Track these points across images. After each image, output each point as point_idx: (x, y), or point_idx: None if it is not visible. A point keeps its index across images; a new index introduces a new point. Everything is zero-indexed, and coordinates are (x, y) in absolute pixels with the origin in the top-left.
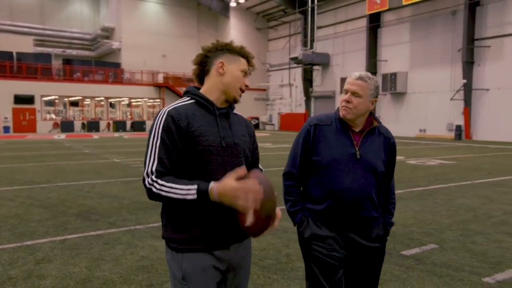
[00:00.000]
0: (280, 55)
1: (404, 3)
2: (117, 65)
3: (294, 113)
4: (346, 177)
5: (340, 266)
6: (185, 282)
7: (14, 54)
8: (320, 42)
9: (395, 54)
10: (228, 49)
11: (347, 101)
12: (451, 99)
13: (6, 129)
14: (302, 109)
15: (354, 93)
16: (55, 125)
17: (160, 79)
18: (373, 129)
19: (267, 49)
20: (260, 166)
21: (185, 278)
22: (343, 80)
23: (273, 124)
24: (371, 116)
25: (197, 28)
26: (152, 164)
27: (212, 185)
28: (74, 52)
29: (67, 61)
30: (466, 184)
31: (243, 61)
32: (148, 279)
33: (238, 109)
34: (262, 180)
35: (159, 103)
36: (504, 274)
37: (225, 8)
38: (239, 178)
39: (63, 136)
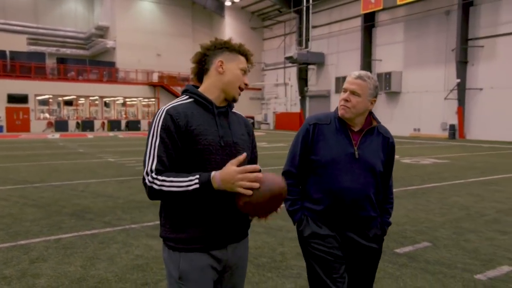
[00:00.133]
0: (275, 55)
1: (398, 2)
2: (112, 64)
3: (289, 113)
4: (345, 176)
5: (341, 262)
6: (182, 281)
7: (7, 53)
8: (315, 41)
9: (389, 54)
10: (227, 47)
11: (346, 100)
12: (445, 98)
13: (0, 129)
14: (297, 109)
15: (353, 92)
16: (49, 124)
17: (155, 78)
18: (372, 128)
19: (262, 49)
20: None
21: (182, 278)
22: (338, 79)
23: (268, 123)
24: (371, 115)
25: (192, 27)
26: (152, 163)
27: (214, 172)
28: (68, 51)
29: (61, 60)
30: (459, 182)
31: (242, 59)
32: (143, 278)
33: (234, 108)
34: (273, 178)
35: (154, 102)
36: (495, 271)
37: (220, 7)
38: (240, 164)
39: (57, 135)
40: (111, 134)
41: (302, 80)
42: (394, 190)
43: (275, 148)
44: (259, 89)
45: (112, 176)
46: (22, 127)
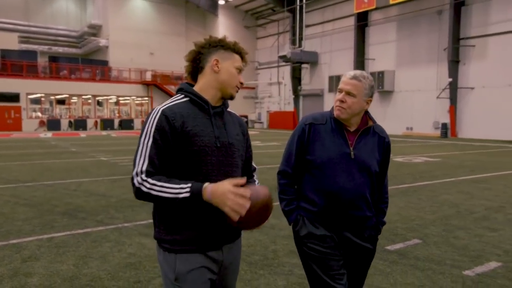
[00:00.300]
0: (268, 53)
1: (391, 2)
2: (105, 62)
3: (283, 111)
4: (340, 177)
5: (339, 259)
6: (178, 283)
7: None
8: (309, 40)
9: (382, 53)
10: (222, 45)
11: (341, 101)
12: (437, 97)
13: None
14: (290, 107)
15: (348, 93)
16: (41, 123)
17: (148, 77)
18: (368, 128)
19: (255, 47)
20: (253, 164)
21: (178, 279)
22: (331, 78)
23: (262, 122)
24: (367, 115)
25: (185, 26)
26: (143, 164)
27: (207, 184)
28: (60, 49)
29: (53, 58)
30: (450, 181)
31: (237, 57)
32: (135, 276)
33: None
34: (256, 193)
35: (147, 101)
36: (483, 267)
37: (214, 6)
38: (237, 185)
39: (49, 134)
40: (104, 133)
41: (296, 79)
42: None
43: (268, 147)
44: (253, 88)
45: (105, 175)
46: (13, 126)
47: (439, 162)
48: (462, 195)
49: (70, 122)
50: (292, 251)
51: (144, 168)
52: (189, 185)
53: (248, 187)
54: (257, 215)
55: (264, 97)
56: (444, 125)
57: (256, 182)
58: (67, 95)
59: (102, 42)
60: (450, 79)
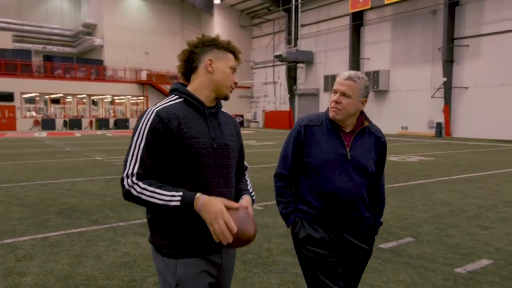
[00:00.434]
0: (264, 53)
1: (386, 2)
2: (100, 62)
3: (278, 111)
4: (337, 178)
5: (338, 261)
6: None
7: None
8: (304, 40)
9: (377, 52)
10: (215, 44)
11: (336, 102)
12: (432, 97)
13: None
14: (286, 107)
15: (343, 94)
16: (36, 122)
17: (143, 76)
18: (364, 129)
19: (251, 47)
20: (245, 163)
21: (179, 285)
22: (326, 78)
23: (257, 122)
24: (362, 115)
25: (180, 25)
26: (134, 166)
27: (199, 195)
28: (55, 48)
29: (48, 57)
30: (444, 180)
31: (231, 57)
32: (130, 275)
33: (223, 107)
34: (244, 228)
35: (142, 100)
36: (474, 264)
37: (209, 5)
38: (228, 208)
39: (44, 134)
40: (99, 132)
41: (291, 78)
42: None
43: (263, 147)
44: (248, 87)
45: (99, 175)
46: (7, 125)
47: (433, 161)
48: (455, 194)
49: (64, 121)
50: (286, 250)
51: (135, 170)
52: (181, 193)
53: (239, 216)
54: (237, 244)
55: (259, 96)
56: (438, 125)
57: (248, 182)
58: (61, 95)
59: (97, 41)
60: (445, 79)
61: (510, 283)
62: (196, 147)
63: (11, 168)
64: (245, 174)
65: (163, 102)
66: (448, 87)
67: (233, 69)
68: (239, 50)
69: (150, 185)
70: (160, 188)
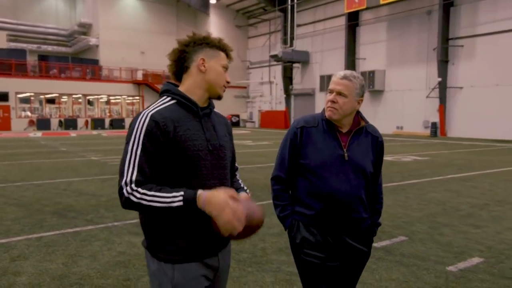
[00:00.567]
0: (260, 53)
1: (381, 2)
2: (95, 61)
3: (274, 111)
4: (335, 179)
5: (335, 264)
6: None
7: None
8: (300, 40)
9: (373, 52)
10: (207, 43)
11: (333, 102)
12: (427, 97)
13: None
14: (282, 107)
15: (339, 93)
16: (31, 122)
17: (139, 76)
18: (361, 129)
19: (247, 47)
20: (236, 164)
21: None
22: (322, 77)
23: (253, 122)
24: (358, 115)
25: (176, 25)
26: (132, 173)
27: (201, 192)
28: (50, 48)
29: (43, 57)
30: (438, 179)
31: (223, 55)
32: (125, 274)
33: (219, 107)
34: (252, 213)
35: (138, 100)
36: (466, 262)
37: (205, 5)
38: (231, 197)
39: (39, 134)
40: (94, 132)
41: (287, 78)
42: None
43: (259, 146)
44: (244, 87)
45: (95, 175)
46: (2, 125)
47: (428, 161)
48: (449, 193)
49: (60, 121)
50: (280, 249)
51: (134, 177)
52: (182, 193)
53: (244, 204)
54: (247, 233)
55: (255, 96)
56: (433, 124)
57: (240, 181)
58: (57, 94)
59: (93, 41)
60: (440, 79)
61: (500, 281)
62: (193, 150)
63: (6, 168)
64: (236, 175)
65: (156, 104)
66: (443, 87)
67: (225, 68)
68: (231, 48)
69: (149, 189)
70: (159, 191)
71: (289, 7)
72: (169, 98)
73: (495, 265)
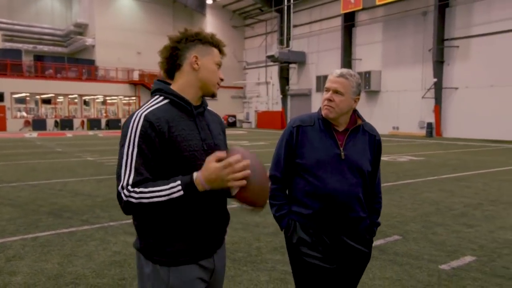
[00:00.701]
0: (256, 53)
1: (377, 3)
2: (91, 62)
3: (271, 111)
4: (332, 178)
5: (332, 265)
6: None
7: None
8: (296, 40)
9: (369, 53)
10: (200, 39)
11: (329, 100)
12: (423, 97)
13: None
14: (278, 107)
15: (336, 91)
16: (26, 123)
17: (135, 76)
18: (358, 127)
19: (243, 47)
20: None
21: None
22: (318, 78)
23: (250, 122)
24: (355, 114)
25: (172, 26)
26: (128, 177)
27: (196, 174)
28: (45, 48)
29: (39, 57)
30: (433, 179)
31: (216, 52)
32: (120, 273)
33: (216, 107)
34: (245, 154)
35: (134, 100)
36: (458, 261)
37: (201, 6)
38: (220, 160)
39: (34, 134)
40: (90, 133)
41: (284, 79)
42: None
43: (256, 147)
44: (241, 87)
45: (91, 175)
46: None
47: (423, 161)
48: (443, 193)
49: (56, 122)
50: (275, 248)
51: (131, 180)
52: (178, 182)
53: (229, 154)
54: (256, 174)
55: (252, 96)
56: (429, 125)
57: None
58: (52, 95)
59: (89, 41)
60: (435, 79)
61: (492, 279)
62: (189, 150)
63: (2, 168)
64: None
65: (149, 104)
66: (438, 88)
67: (219, 65)
68: (223, 43)
69: (145, 187)
70: (155, 185)
71: (286, 7)
72: (161, 98)
73: (487, 264)
